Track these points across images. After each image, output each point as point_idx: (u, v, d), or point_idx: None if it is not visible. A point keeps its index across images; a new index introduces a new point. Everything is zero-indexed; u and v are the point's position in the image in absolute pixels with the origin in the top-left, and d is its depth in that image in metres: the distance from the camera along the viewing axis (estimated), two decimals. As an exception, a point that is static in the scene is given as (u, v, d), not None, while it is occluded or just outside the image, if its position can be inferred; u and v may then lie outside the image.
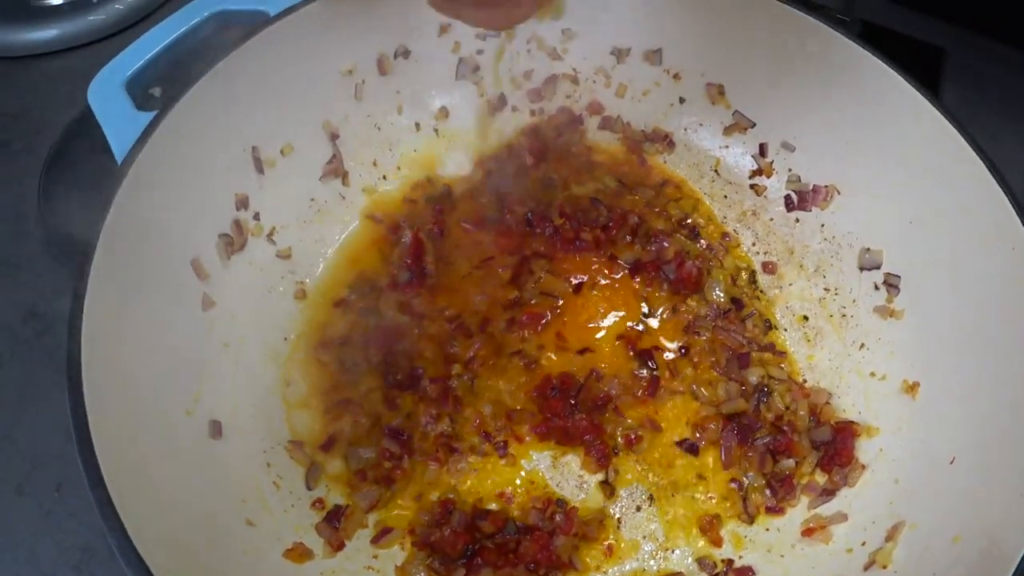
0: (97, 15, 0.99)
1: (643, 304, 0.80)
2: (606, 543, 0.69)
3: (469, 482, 0.71)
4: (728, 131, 0.88)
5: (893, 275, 0.76)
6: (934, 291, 0.73)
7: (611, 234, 0.83)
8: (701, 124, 0.89)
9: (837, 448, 0.71)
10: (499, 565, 0.67)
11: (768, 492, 0.71)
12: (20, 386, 0.77)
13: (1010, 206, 0.66)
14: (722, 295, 0.81)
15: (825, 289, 0.81)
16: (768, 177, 0.86)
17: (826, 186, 0.82)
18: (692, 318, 0.79)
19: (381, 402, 0.74)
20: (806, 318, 0.80)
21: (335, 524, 0.68)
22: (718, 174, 0.88)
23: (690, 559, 0.69)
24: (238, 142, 0.76)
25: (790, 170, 0.85)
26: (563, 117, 0.90)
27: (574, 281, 0.81)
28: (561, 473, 0.72)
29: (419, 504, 0.70)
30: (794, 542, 0.69)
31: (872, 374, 0.75)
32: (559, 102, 0.90)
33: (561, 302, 0.80)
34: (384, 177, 0.87)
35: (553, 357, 0.77)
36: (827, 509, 0.69)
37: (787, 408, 0.74)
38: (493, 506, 0.70)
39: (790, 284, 0.82)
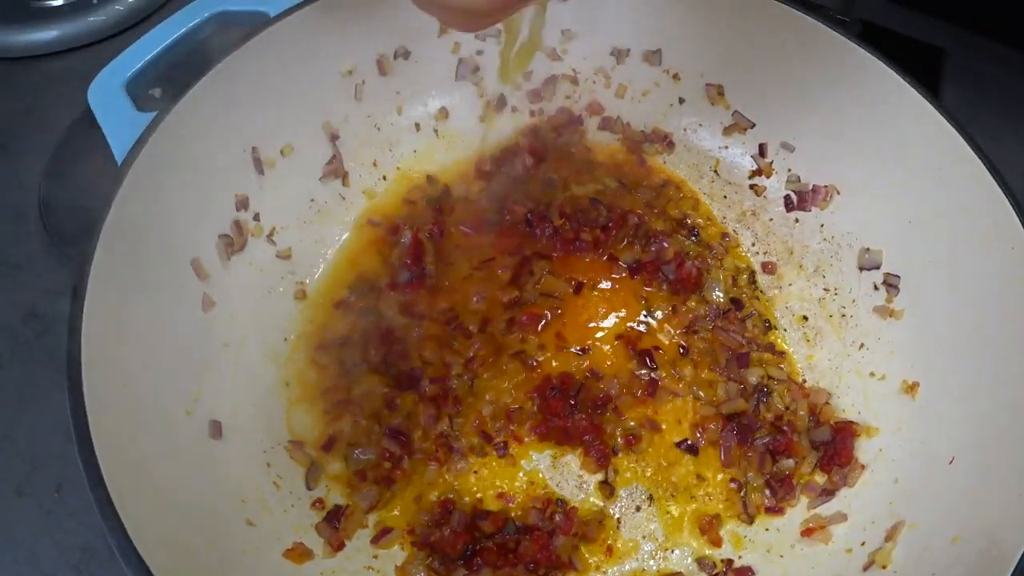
0: (97, 16, 0.99)
1: (643, 304, 0.80)
2: (606, 543, 0.69)
3: (469, 482, 0.71)
4: (728, 131, 0.88)
5: (892, 275, 0.76)
6: (934, 291, 0.73)
7: (611, 234, 0.83)
8: (701, 124, 0.89)
9: (837, 448, 0.71)
10: (499, 565, 0.67)
11: (768, 492, 0.71)
12: (20, 386, 0.77)
13: (1009, 206, 0.66)
14: (722, 295, 0.81)
15: (825, 289, 0.81)
16: (768, 177, 0.86)
17: (826, 186, 0.82)
18: (692, 318, 0.79)
19: (381, 402, 0.74)
20: (806, 318, 0.80)
21: (335, 524, 0.68)
22: (718, 174, 0.88)
23: (690, 559, 0.69)
24: (238, 142, 0.76)
25: (790, 170, 0.85)
26: (563, 118, 0.90)
27: (574, 281, 0.81)
28: (561, 473, 0.72)
29: (419, 504, 0.70)
30: (793, 542, 0.69)
31: (872, 374, 0.75)
32: (559, 103, 0.90)
33: (561, 302, 0.80)
34: (384, 178, 0.87)
35: (553, 358, 0.77)
36: (827, 509, 0.69)
37: (787, 408, 0.74)
38: (493, 506, 0.70)
39: (790, 284, 0.82)
